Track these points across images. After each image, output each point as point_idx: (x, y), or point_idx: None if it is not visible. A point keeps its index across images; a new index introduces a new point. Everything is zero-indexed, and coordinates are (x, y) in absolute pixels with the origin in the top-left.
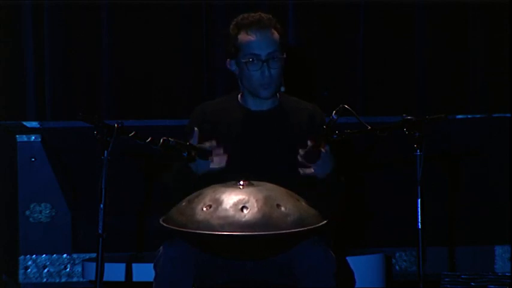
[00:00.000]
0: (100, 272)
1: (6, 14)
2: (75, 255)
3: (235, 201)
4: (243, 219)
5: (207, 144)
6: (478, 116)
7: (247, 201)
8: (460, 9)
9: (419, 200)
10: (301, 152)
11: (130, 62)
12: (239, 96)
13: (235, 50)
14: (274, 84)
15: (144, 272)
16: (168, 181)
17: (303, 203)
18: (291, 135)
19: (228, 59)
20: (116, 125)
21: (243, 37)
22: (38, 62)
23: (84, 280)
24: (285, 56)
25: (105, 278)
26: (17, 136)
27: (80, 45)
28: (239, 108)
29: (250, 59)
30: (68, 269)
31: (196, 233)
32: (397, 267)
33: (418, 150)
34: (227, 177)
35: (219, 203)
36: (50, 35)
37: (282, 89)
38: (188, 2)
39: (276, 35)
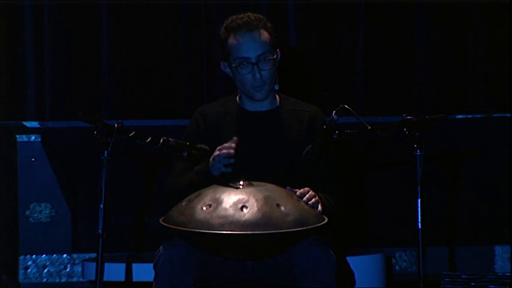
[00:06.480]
0: (100, 272)
1: (6, 14)
2: (75, 255)
3: (235, 201)
4: (243, 219)
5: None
6: (478, 116)
7: (247, 201)
8: (460, 9)
9: (419, 200)
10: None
11: (130, 62)
12: (237, 98)
13: (226, 53)
14: (267, 85)
15: (144, 272)
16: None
17: (303, 203)
18: (289, 137)
19: (222, 62)
20: (116, 125)
21: (232, 41)
22: (38, 62)
23: (84, 280)
24: (275, 56)
25: (105, 278)
26: (17, 136)
27: (80, 45)
28: (238, 110)
29: (240, 63)
30: (68, 269)
31: (196, 232)
32: (397, 267)
33: (418, 150)
34: (226, 178)
35: (218, 202)
36: (50, 35)
37: (276, 87)
38: (188, 2)
39: (266, 35)
